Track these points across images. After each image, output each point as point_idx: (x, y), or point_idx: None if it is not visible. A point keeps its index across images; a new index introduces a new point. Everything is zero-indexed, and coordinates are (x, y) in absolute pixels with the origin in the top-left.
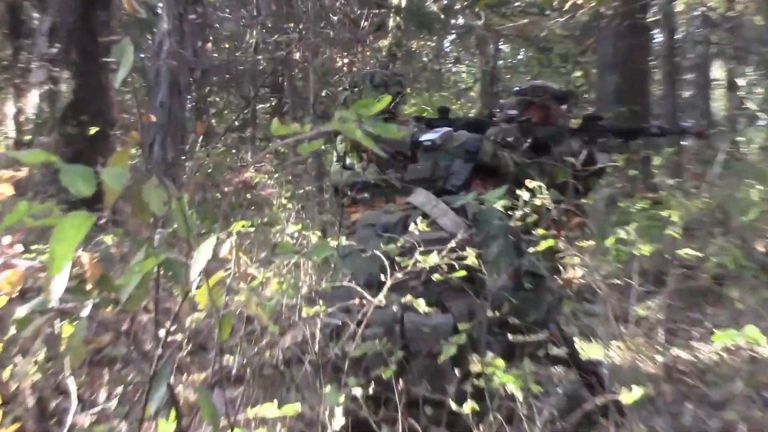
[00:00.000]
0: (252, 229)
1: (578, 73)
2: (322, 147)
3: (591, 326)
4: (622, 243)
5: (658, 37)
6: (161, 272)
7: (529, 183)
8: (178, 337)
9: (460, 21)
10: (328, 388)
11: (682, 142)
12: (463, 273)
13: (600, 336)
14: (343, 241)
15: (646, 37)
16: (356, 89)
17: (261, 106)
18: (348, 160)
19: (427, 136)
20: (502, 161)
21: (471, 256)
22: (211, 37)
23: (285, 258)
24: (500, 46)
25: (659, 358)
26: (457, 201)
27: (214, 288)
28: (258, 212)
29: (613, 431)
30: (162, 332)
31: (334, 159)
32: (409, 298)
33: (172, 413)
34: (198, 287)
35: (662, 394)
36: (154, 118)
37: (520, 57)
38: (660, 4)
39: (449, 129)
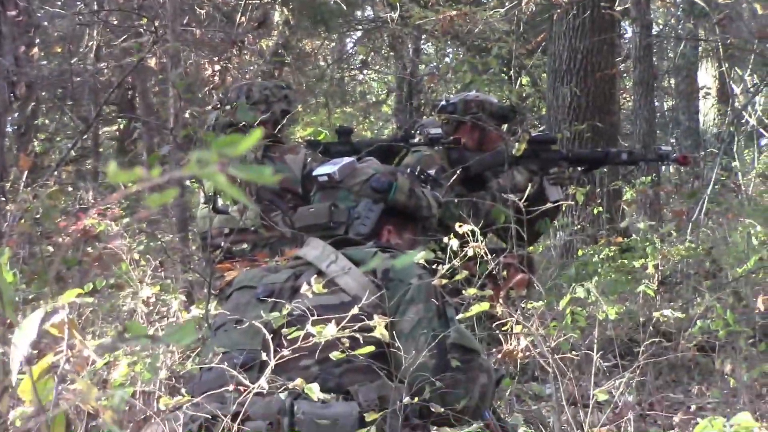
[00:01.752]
0: (91, 299)
1: (524, 81)
2: (187, 183)
3: (540, 413)
4: (580, 304)
5: (629, 33)
6: None
7: (459, 228)
8: None
9: (368, 13)
10: None
11: (660, 170)
12: (370, 349)
13: (552, 426)
14: (214, 309)
15: (612, 34)
16: (228, 107)
17: (105, 129)
18: (220, 201)
19: (323, 169)
20: (421, 201)
21: (380, 327)
22: (37, 40)
23: (134, 344)
24: (421, 46)
25: None
26: (364, 256)
27: (41, 378)
28: (103, 271)
29: None
30: None
31: (201, 199)
32: (299, 381)
33: None
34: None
35: None
36: None
37: (447, 60)
38: None
39: (351, 159)
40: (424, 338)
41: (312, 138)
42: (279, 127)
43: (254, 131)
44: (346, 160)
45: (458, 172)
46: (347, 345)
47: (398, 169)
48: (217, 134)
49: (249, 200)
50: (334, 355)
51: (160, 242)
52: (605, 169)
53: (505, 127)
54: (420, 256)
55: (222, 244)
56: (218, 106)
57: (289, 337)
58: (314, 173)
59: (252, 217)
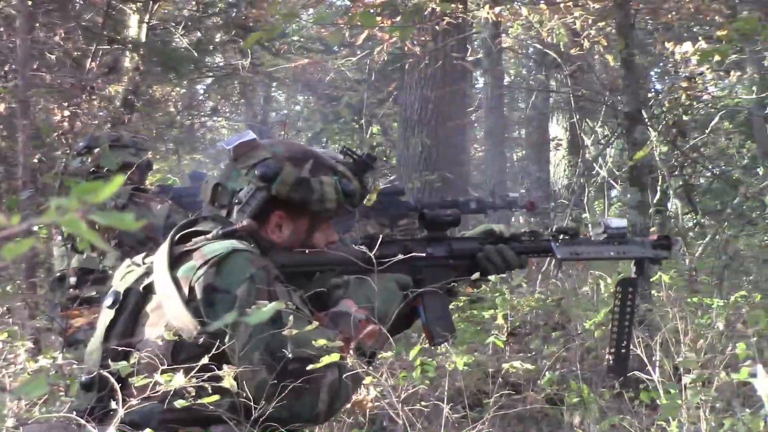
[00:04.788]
0: None
1: (375, 130)
2: (35, 228)
3: None
4: (430, 354)
5: (480, 83)
6: None
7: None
8: None
9: (219, 60)
10: None
11: (510, 220)
12: (216, 398)
13: None
14: (62, 357)
15: (463, 84)
16: (97, 150)
17: None
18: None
19: (230, 140)
20: (311, 195)
21: (228, 378)
22: None
23: None
24: (272, 94)
25: None
26: (188, 271)
27: None
28: None
29: None
30: None
31: (58, 238)
32: None
33: None
34: None
35: None
36: None
37: (297, 108)
38: (483, 40)
39: (254, 137)
40: (258, 354)
41: (162, 183)
42: (140, 175)
43: (116, 178)
44: (249, 136)
45: None
46: (193, 394)
47: (304, 154)
48: (82, 180)
49: (108, 245)
50: (180, 403)
51: (9, 287)
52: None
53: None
54: (271, 306)
55: (71, 288)
56: (81, 152)
57: (136, 385)
58: (223, 143)
59: (112, 262)
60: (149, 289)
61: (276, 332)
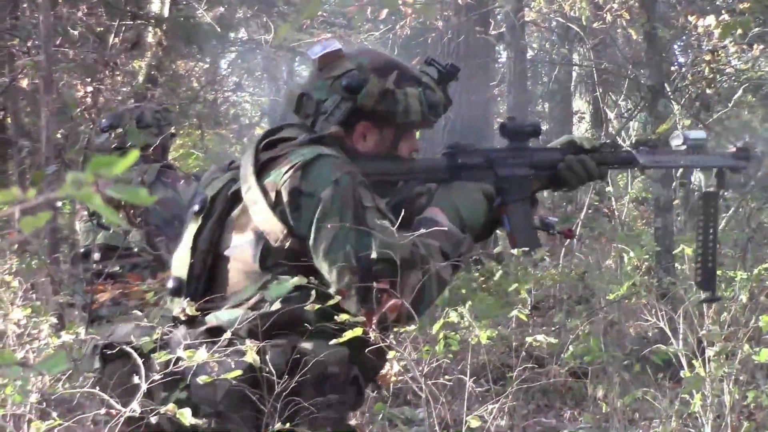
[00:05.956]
0: None
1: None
2: (59, 204)
3: None
4: (453, 328)
5: (503, 57)
6: None
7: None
8: None
9: (243, 35)
10: None
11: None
12: (237, 373)
13: None
14: (85, 333)
15: (487, 58)
16: (120, 129)
17: None
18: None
19: (316, 49)
20: (396, 107)
21: (251, 352)
22: None
23: (5, 372)
24: (296, 69)
25: None
26: (275, 177)
27: None
28: None
29: None
30: None
31: (83, 213)
32: (171, 407)
33: None
34: None
35: None
36: None
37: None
38: (505, 14)
39: (339, 47)
40: (342, 254)
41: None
42: (163, 151)
43: (131, 152)
44: (335, 46)
45: None
46: (215, 369)
47: (388, 65)
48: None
49: (125, 222)
50: (202, 379)
51: (35, 262)
52: None
53: None
54: (293, 282)
55: (95, 263)
56: (105, 129)
57: (158, 361)
58: (309, 53)
59: (138, 239)
60: (236, 196)
61: (361, 234)
